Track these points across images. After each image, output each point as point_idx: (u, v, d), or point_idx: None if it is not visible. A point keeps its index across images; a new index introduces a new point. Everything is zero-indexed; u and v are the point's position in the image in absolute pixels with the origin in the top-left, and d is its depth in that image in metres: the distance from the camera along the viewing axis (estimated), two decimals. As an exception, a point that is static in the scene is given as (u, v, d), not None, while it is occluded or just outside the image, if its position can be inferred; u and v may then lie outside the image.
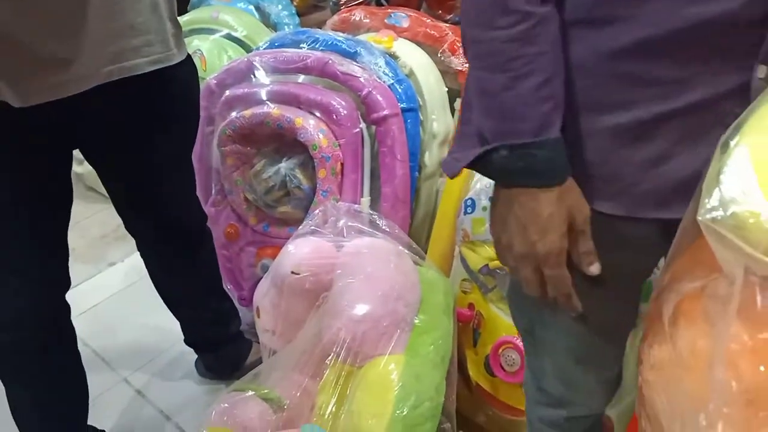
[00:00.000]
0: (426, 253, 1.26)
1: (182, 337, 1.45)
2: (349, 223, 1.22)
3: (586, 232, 0.62)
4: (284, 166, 1.40)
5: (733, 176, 0.43)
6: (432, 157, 1.42)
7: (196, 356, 1.49)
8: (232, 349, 1.45)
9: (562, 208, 0.60)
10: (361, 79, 1.35)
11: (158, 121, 1.08)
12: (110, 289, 1.79)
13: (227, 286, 1.51)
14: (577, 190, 0.62)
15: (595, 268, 0.63)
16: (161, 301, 1.38)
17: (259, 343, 1.41)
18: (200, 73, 1.71)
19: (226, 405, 1.06)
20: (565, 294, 0.64)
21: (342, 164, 1.36)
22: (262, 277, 1.30)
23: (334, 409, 1.01)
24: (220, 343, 1.44)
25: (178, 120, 1.14)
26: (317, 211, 1.26)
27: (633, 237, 0.64)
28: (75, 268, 1.15)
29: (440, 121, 1.41)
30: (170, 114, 1.10)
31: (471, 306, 1.17)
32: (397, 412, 0.94)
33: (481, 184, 1.15)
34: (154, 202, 1.19)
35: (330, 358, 1.05)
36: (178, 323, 1.42)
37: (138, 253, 1.33)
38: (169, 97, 1.07)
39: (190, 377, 1.50)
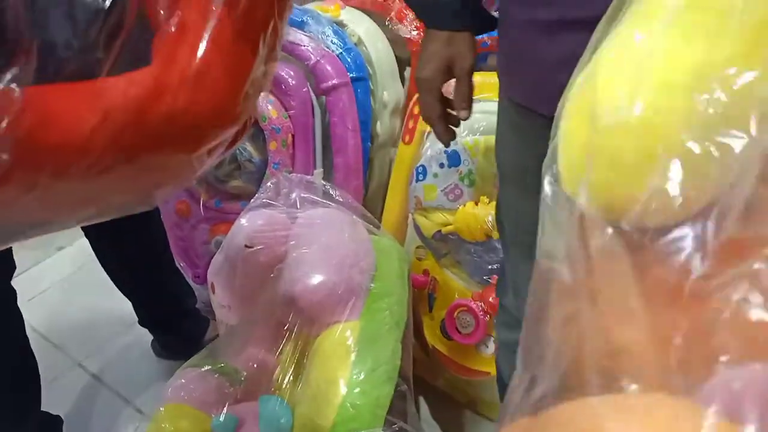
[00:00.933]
0: (380, 221, 1.27)
1: (136, 318, 1.42)
2: (302, 195, 1.21)
3: (462, 80, 0.73)
4: (234, 139, 1.37)
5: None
6: (383, 126, 1.41)
7: (151, 337, 1.47)
8: (188, 327, 1.43)
9: (445, 50, 0.71)
10: (309, 49, 1.33)
11: None
12: (59, 273, 1.74)
13: (180, 264, 1.49)
14: (468, 42, 0.72)
15: (464, 114, 0.75)
16: (112, 283, 1.35)
17: (215, 320, 1.41)
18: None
19: (182, 381, 1.05)
20: (429, 119, 0.77)
21: (293, 135, 1.35)
22: (215, 254, 1.29)
23: (291, 379, 1.01)
24: (175, 322, 1.42)
25: None
26: (269, 183, 1.24)
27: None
28: (22, 254, 1.12)
29: (390, 89, 1.41)
30: None
31: (426, 272, 1.18)
32: (354, 376, 0.95)
33: (432, 151, 1.15)
34: None
35: (286, 328, 1.05)
36: (130, 305, 1.40)
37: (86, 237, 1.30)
38: None
39: (147, 358, 1.48)
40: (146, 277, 1.35)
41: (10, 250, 1.08)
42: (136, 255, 1.32)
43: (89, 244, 1.30)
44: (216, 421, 0.97)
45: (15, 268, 1.11)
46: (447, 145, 0.81)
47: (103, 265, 1.33)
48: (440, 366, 1.19)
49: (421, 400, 1.25)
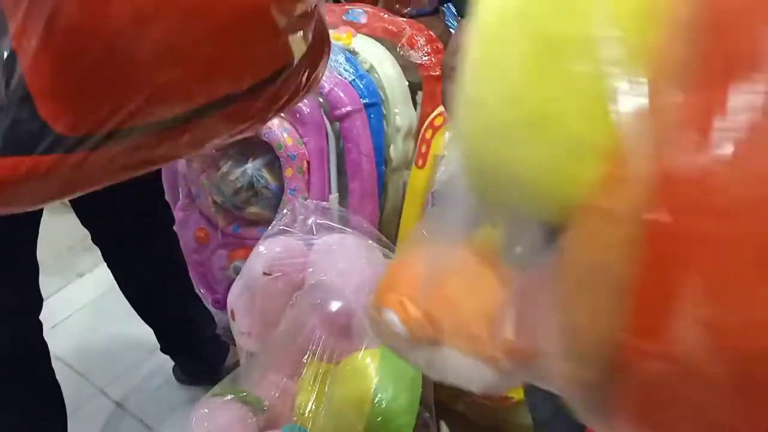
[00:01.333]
0: (395, 245, 1.28)
1: (158, 345, 1.44)
2: (318, 221, 1.23)
3: None
4: (250, 166, 1.40)
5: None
6: (397, 150, 1.43)
7: (173, 363, 1.49)
8: (209, 353, 1.44)
9: None
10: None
11: None
12: (80, 300, 1.77)
13: (200, 291, 1.51)
14: None
15: None
16: (133, 310, 1.37)
17: (236, 346, 1.42)
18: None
19: (205, 410, 1.07)
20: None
21: (308, 162, 1.37)
22: (234, 279, 1.31)
23: (313, 407, 1.02)
24: (196, 348, 1.44)
25: None
26: (285, 210, 1.26)
27: None
28: (43, 281, 1.14)
29: (403, 114, 1.42)
30: None
31: (443, 295, 1.19)
32: (376, 404, 0.96)
33: (446, 177, 1.16)
34: (120, 211, 1.18)
35: (306, 356, 1.06)
36: (152, 331, 1.42)
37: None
38: None
39: (169, 385, 1.49)
40: (166, 304, 1.37)
41: (38, 284, 1.10)
42: (155, 281, 1.34)
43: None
44: (240, 451, 0.98)
45: (42, 300, 1.14)
46: None
47: (123, 292, 1.35)
48: (461, 390, 1.19)
49: (443, 424, 1.26)
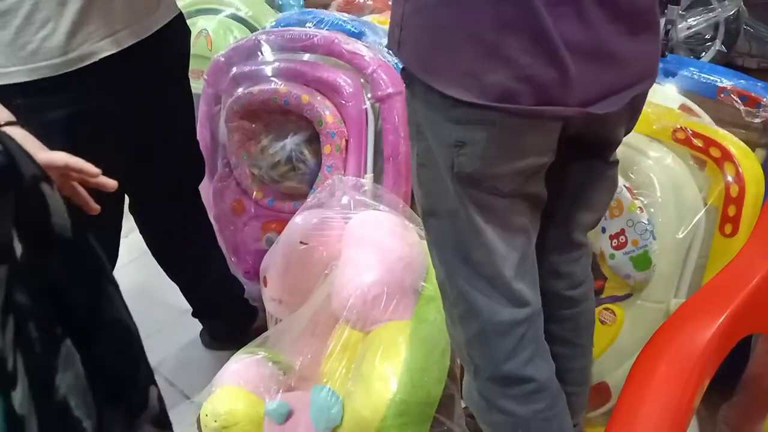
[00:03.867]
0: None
1: (186, 310, 1.48)
2: (356, 197, 1.26)
3: None
4: (290, 141, 1.43)
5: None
6: (434, 135, 1.45)
7: (200, 328, 1.53)
8: (237, 316, 1.48)
9: None
10: (367, 58, 1.39)
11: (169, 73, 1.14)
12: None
13: (231, 260, 1.55)
14: None
15: None
16: (164, 276, 1.41)
17: (262, 312, 1.46)
18: (206, 52, 1.75)
19: (237, 365, 1.10)
20: None
21: (347, 141, 1.40)
22: (266, 251, 1.34)
23: (343, 372, 1.05)
24: (225, 309, 1.48)
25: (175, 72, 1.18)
26: (325, 184, 1.30)
27: None
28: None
29: (442, 100, 1.45)
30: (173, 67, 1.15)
31: (473, 277, 1.21)
32: (406, 374, 0.99)
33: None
34: (157, 153, 1.21)
35: (339, 323, 1.09)
36: (182, 297, 1.46)
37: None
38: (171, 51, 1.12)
39: (196, 347, 1.53)
40: (196, 261, 1.41)
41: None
42: (182, 239, 1.37)
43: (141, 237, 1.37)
44: (270, 406, 1.01)
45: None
46: None
47: (150, 249, 1.39)
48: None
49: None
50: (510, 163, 0.70)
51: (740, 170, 0.96)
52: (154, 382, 0.61)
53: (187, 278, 1.43)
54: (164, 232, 1.37)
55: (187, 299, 1.46)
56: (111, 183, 0.67)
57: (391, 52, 1.42)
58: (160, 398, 0.61)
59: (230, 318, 1.47)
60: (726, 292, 0.65)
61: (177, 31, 1.12)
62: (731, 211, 0.98)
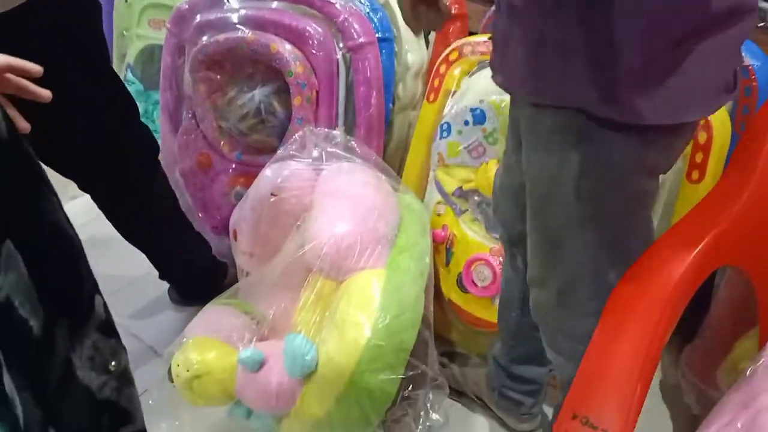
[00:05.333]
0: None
1: (151, 266, 1.45)
2: (327, 150, 1.24)
3: None
4: (258, 93, 1.40)
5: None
6: (406, 88, 1.44)
7: (168, 285, 1.50)
8: (206, 275, 1.46)
9: None
10: (338, 6, 1.35)
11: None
12: (74, 222, 1.75)
13: (198, 216, 1.52)
14: None
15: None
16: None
17: (232, 268, 1.44)
18: (167, 1, 1.68)
19: (209, 316, 1.09)
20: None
21: (317, 92, 1.37)
22: (235, 206, 1.31)
23: (317, 320, 1.05)
24: (193, 271, 1.45)
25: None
26: (295, 136, 1.27)
27: None
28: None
29: (415, 52, 1.43)
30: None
31: (444, 227, 1.22)
32: (380, 320, 0.99)
33: (456, 108, 1.18)
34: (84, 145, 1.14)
35: (312, 273, 1.08)
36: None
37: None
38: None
39: (164, 304, 1.51)
40: (157, 232, 1.37)
41: None
42: (144, 219, 1.33)
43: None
44: (243, 354, 1.01)
45: None
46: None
47: (116, 228, 1.34)
48: (455, 318, 1.23)
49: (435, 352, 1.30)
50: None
51: (708, 118, 0.97)
52: (99, 293, 0.61)
53: (151, 248, 1.39)
54: (118, 206, 1.31)
55: (153, 265, 1.43)
56: (46, 93, 0.65)
57: (362, 1, 1.39)
58: (106, 308, 0.61)
59: (199, 278, 1.45)
60: (700, 226, 0.67)
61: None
62: (698, 158, 1.00)
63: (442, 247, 1.22)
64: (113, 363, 0.60)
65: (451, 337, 1.29)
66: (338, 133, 1.30)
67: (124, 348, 0.63)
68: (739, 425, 0.53)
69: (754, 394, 0.53)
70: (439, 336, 1.24)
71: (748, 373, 0.57)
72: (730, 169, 0.79)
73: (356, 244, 1.05)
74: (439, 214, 1.23)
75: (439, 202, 1.23)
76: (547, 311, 0.85)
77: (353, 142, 1.27)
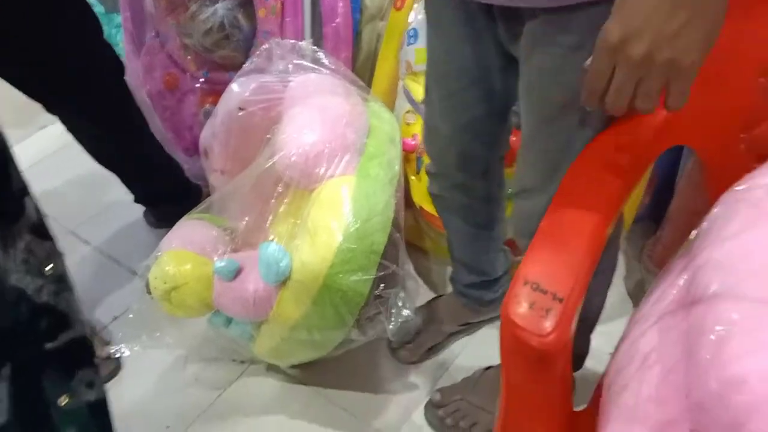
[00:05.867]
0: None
1: (127, 193, 1.44)
2: (295, 62, 1.22)
3: None
4: (221, 6, 1.36)
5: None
6: (373, -3, 1.41)
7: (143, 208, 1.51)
8: (180, 198, 1.46)
9: None
10: None
11: None
12: (44, 151, 1.74)
13: (168, 136, 1.50)
14: None
15: None
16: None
17: (206, 189, 1.44)
18: None
19: (182, 230, 1.10)
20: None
21: (282, 3, 1.34)
22: (204, 125, 1.30)
23: (290, 229, 1.07)
24: (167, 195, 1.45)
25: None
26: (261, 49, 1.25)
27: None
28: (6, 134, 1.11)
29: (380, -41, 1.39)
30: None
31: (415, 136, 1.22)
32: (351, 225, 1.01)
33: (423, 14, 1.16)
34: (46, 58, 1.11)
35: (283, 183, 1.09)
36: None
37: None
38: None
39: (140, 227, 1.51)
40: (130, 157, 1.36)
41: None
42: (114, 141, 1.32)
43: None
44: (218, 264, 1.02)
45: None
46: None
47: (87, 151, 1.33)
48: (427, 226, 1.26)
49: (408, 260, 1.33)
50: None
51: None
52: (30, 195, 0.60)
53: (123, 171, 1.39)
54: (87, 127, 1.29)
55: (127, 188, 1.42)
56: None
57: None
58: (38, 210, 0.60)
59: (173, 201, 1.45)
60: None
61: None
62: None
63: (413, 156, 1.22)
64: (50, 266, 0.59)
65: (424, 245, 1.31)
66: (305, 44, 1.28)
67: (61, 253, 0.62)
68: (680, 283, 0.56)
69: (693, 255, 0.56)
70: (412, 244, 1.27)
71: (692, 237, 0.60)
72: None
73: (324, 151, 1.06)
74: (408, 123, 1.23)
75: (408, 111, 1.23)
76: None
77: (321, 54, 1.25)
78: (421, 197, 1.22)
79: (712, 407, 0.48)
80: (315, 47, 1.29)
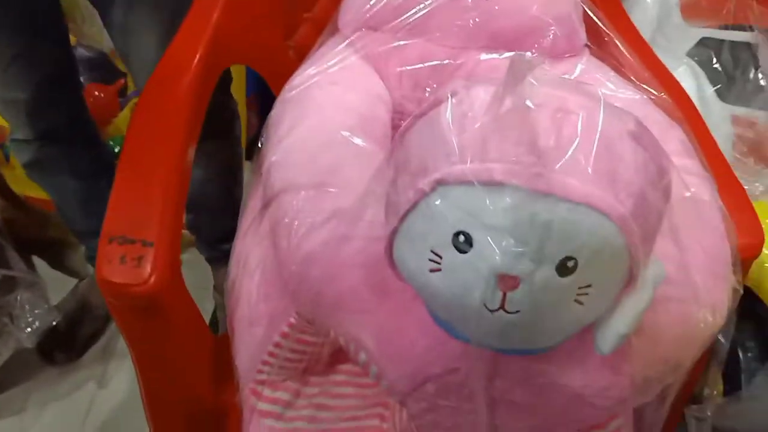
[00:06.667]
0: None
1: None
2: None
3: None
4: None
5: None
6: None
7: None
8: None
9: None
10: None
11: None
12: None
13: None
14: None
15: None
16: None
17: None
18: None
19: None
20: None
21: None
22: None
23: None
24: None
25: None
26: None
27: None
28: None
29: None
30: None
31: None
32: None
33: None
34: None
35: None
36: None
37: None
38: None
39: None
40: None
41: None
42: None
43: None
44: None
45: None
46: None
47: None
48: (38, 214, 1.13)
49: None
50: None
51: None
52: None
53: None
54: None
55: None
56: None
57: None
58: None
59: None
60: (198, 29, 0.70)
61: None
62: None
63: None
64: None
65: (49, 234, 1.18)
66: None
67: None
68: (260, 190, 0.60)
69: (262, 162, 0.62)
70: (33, 240, 1.13)
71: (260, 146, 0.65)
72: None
73: None
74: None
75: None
76: None
77: None
78: (23, 185, 1.08)
79: (298, 287, 0.54)
80: None
